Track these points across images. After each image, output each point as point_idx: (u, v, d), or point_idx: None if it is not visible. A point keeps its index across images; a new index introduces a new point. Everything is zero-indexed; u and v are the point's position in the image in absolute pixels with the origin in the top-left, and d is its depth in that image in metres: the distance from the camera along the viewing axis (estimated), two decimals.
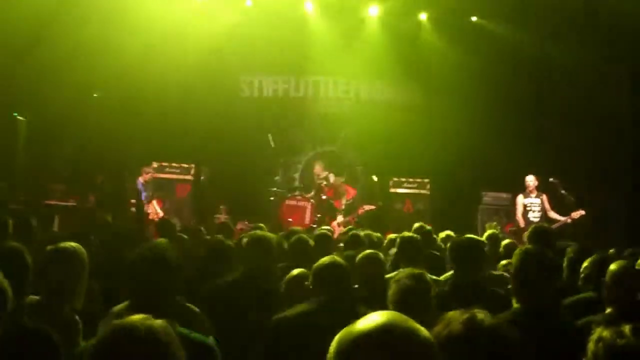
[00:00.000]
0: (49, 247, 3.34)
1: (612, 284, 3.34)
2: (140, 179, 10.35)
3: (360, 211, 10.32)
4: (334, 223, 10.21)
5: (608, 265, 3.63)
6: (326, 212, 10.44)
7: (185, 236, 4.84)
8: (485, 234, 5.75)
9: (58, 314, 2.92)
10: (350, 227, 7.94)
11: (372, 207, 10.44)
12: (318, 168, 11.28)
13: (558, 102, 11.58)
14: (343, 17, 12.23)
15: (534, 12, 11.19)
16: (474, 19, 12.43)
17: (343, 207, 10.37)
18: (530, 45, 11.54)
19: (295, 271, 3.82)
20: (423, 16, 12.53)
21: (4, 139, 9.15)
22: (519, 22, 11.50)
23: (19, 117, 9.16)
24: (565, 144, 11.18)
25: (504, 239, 6.13)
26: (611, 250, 5.25)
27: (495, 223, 8.90)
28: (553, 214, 9.28)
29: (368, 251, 4.23)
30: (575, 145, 10.98)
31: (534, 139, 11.75)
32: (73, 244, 3.29)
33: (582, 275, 3.89)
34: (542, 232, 5.29)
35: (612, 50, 10.62)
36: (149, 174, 10.39)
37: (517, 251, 3.39)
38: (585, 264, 3.89)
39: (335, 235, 9.55)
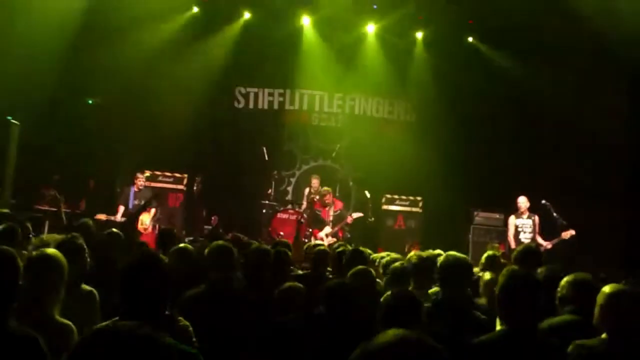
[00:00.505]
0: (28, 254, 3.33)
1: (605, 308, 3.28)
2: (134, 187, 10.17)
3: (349, 220, 10.24)
4: (321, 234, 10.16)
5: (586, 287, 3.62)
6: (314, 223, 10.38)
7: (190, 247, 4.77)
8: (484, 255, 5.71)
9: (36, 319, 2.89)
10: (340, 242, 7.89)
11: (360, 214, 10.39)
12: (315, 182, 11.27)
13: (551, 123, 11.64)
14: (340, 33, 12.32)
15: (528, 37, 11.28)
16: (470, 39, 12.55)
17: (331, 217, 10.33)
18: (524, 66, 11.64)
19: (288, 283, 3.83)
20: (419, 35, 12.63)
21: None
22: (513, 46, 11.60)
23: (12, 121, 9.10)
24: (558, 166, 11.22)
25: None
26: (602, 275, 5.23)
27: (497, 245, 8.87)
28: (539, 239, 9.30)
29: (360, 267, 4.20)
30: (568, 167, 11.02)
31: (528, 160, 11.81)
32: (52, 250, 3.27)
33: (558, 295, 3.80)
34: (530, 253, 5.26)
35: (606, 68, 10.69)
36: (140, 179, 10.19)
37: (503, 271, 3.37)
38: (562, 283, 3.79)
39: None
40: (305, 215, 10.68)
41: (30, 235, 5.32)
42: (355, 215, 10.28)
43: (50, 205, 9.63)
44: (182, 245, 4.76)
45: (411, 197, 11.54)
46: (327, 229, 10.23)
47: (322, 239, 9.97)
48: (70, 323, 3.00)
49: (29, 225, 5.32)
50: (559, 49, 10.94)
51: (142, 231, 9.82)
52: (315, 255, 5.34)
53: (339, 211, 10.41)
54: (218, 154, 12.26)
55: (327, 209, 10.41)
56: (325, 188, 10.64)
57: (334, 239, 10.00)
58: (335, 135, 12.96)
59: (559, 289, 3.79)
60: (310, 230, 10.50)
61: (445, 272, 3.94)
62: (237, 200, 12.20)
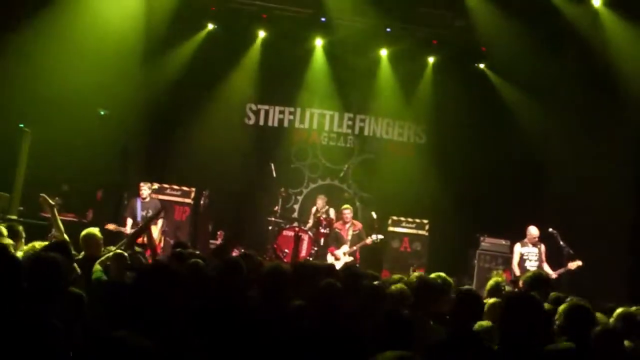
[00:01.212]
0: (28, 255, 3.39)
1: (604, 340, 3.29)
2: (140, 199, 10.04)
3: (369, 241, 10.09)
4: (338, 252, 10.08)
5: (580, 315, 3.65)
6: (332, 241, 10.28)
7: (200, 261, 4.75)
8: (490, 282, 5.68)
9: (37, 319, 2.92)
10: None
11: (381, 236, 10.28)
12: (320, 202, 11.29)
13: (558, 151, 11.61)
14: (352, 55, 12.38)
15: (538, 72, 11.38)
16: (481, 65, 12.60)
17: (349, 237, 10.26)
18: (530, 98, 11.70)
19: (297, 302, 3.81)
20: (431, 59, 12.70)
21: (9, 151, 9.18)
22: (521, 78, 11.65)
23: (25, 129, 9.18)
24: (565, 194, 11.17)
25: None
26: (611, 305, 5.20)
27: (501, 271, 8.81)
28: (546, 267, 9.23)
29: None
30: (575, 196, 10.97)
31: (535, 187, 11.77)
32: (53, 253, 3.33)
33: (556, 324, 3.82)
34: (540, 280, 5.26)
35: (614, 107, 10.69)
36: (144, 189, 10.04)
37: (504, 294, 3.41)
38: (558, 311, 3.83)
39: (340, 264, 9.46)
40: (310, 234, 10.66)
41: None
42: (375, 237, 10.13)
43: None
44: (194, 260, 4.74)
45: (417, 220, 11.50)
46: (345, 248, 10.15)
47: (338, 258, 9.95)
48: (57, 322, 3.03)
49: (21, 229, 5.44)
50: (567, 87, 11.05)
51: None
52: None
53: (358, 231, 10.32)
54: (226, 169, 12.29)
55: (346, 227, 10.32)
56: (346, 205, 10.59)
57: (351, 258, 9.97)
58: (344, 156, 13.01)
59: (556, 318, 3.80)
60: (316, 248, 10.46)
61: (458, 304, 3.88)
62: (244, 215, 12.22)
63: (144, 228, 6.15)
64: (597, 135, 10.83)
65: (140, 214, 9.88)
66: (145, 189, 10.12)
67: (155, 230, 9.90)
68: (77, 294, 3.84)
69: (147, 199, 10.10)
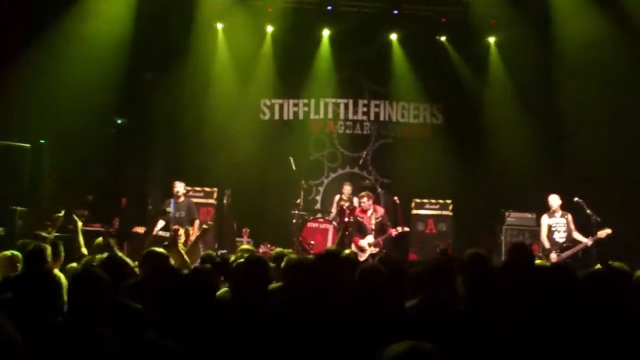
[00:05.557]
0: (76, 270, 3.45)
1: None
2: (174, 199, 9.69)
3: (394, 233, 9.73)
4: (363, 242, 9.76)
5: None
6: (355, 231, 10.01)
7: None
8: None
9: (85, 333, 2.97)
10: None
11: (407, 229, 10.10)
12: (347, 189, 11.17)
13: (585, 123, 11.43)
14: (361, 41, 12.33)
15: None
16: (491, 40, 12.44)
17: (373, 226, 9.98)
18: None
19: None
20: (442, 38, 12.58)
21: (31, 165, 9.31)
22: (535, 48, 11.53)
23: (45, 145, 9.31)
24: (589, 164, 11.02)
25: None
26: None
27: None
28: (577, 235, 9.10)
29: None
30: (600, 166, 10.82)
31: (558, 159, 11.63)
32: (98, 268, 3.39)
33: None
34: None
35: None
36: (176, 188, 9.74)
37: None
38: None
39: (365, 256, 9.35)
40: (335, 224, 10.65)
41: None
42: (400, 229, 9.80)
43: (84, 225, 9.60)
44: None
45: (441, 201, 11.46)
46: (370, 238, 9.76)
47: (364, 250, 9.64)
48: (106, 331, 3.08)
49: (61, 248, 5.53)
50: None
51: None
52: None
53: (380, 218, 10.05)
54: (246, 167, 12.34)
55: (368, 214, 9.98)
56: (362, 194, 10.32)
57: (377, 249, 9.61)
58: (361, 143, 12.99)
59: None
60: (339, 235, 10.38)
61: None
62: (267, 211, 12.26)
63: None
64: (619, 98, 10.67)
65: (174, 215, 9.51)
66: (180, 188, 9.75)
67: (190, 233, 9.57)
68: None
69: (181, 200, 9.78)
